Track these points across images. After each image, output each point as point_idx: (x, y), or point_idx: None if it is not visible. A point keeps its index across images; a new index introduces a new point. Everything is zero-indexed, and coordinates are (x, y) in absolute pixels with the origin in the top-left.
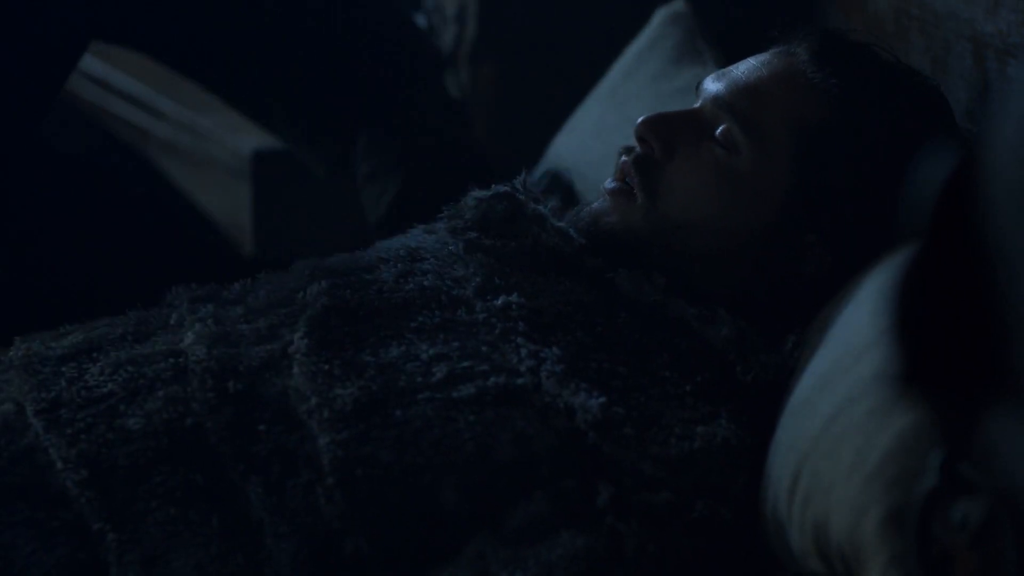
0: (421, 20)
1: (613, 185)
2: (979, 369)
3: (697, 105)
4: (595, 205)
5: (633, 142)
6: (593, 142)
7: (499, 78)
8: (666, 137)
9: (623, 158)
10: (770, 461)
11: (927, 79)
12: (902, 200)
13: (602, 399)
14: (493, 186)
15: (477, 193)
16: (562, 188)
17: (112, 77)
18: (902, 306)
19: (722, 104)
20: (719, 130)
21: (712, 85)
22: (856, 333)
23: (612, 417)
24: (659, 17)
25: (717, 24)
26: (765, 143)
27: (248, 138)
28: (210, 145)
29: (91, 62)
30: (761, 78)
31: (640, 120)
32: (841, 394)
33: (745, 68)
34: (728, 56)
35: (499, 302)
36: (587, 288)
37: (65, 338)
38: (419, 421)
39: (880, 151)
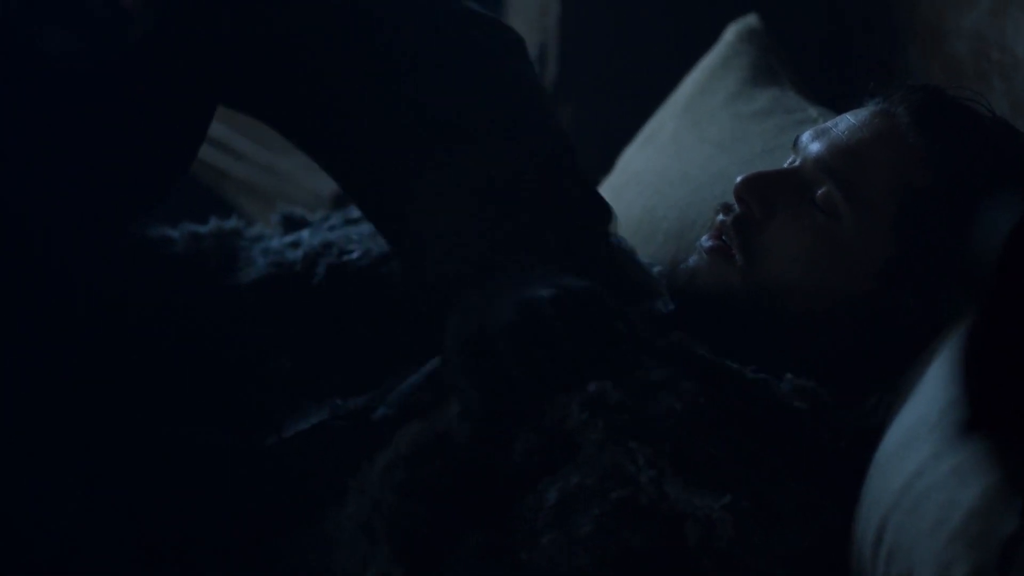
0: None
1: (711, 243)
2: None
3: (796, 163)
4: (692, 262)
5: (731, 199)
6: (671, 161)
7: (579, 119)
8: (766, 198)
9: (720, 216)
10: (856, 515)
11: None
12: (972, 251)
13: (727, 498)
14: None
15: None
16: None
17: None
18: (971, 355)
19: (823, 166)
20: (819, 193)
21: (812, 145)
22: (941, 389)
23: (740, 517)
24: (732, 32)
25: (791, 41)
26: (866, 209)
27: (327, 180)
28: (288, 186)
29: None
30: (862, 141)
31: (739, 180)
32: (926, 451)
33: (846, 128)
34: (803, 78)
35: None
36: (674, 367)
37: None
38: (543, 560)
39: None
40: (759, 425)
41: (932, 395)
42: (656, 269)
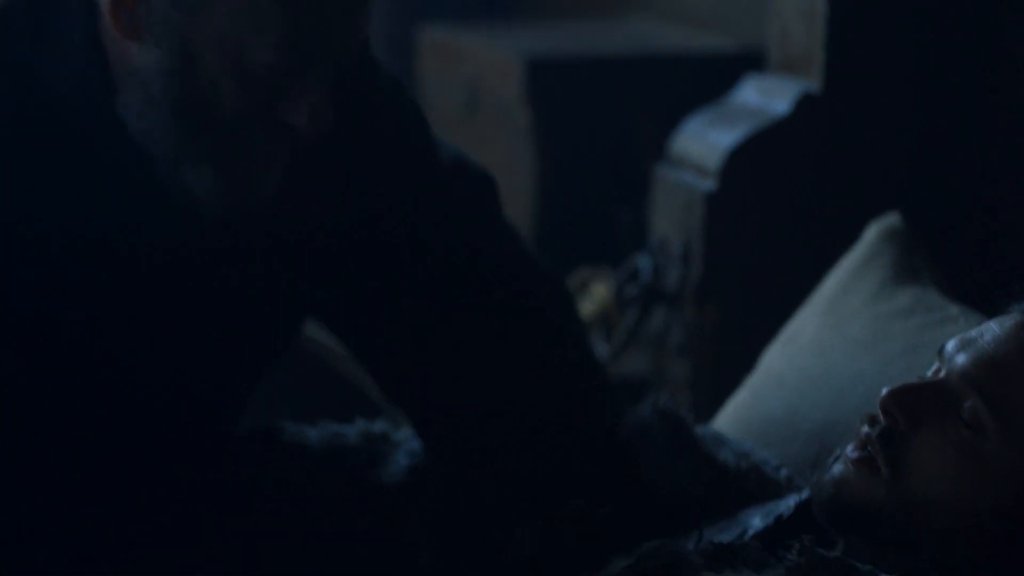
0: (645, 260)
1: (856, 454)
2: None
3: (941, 374)
4: (836, 472)
5: (875, 407)
6: (812, 360)
7: (722, 318)
8: (911, 411)
9: (865, 428)
10: None
11: None
12: None
13: None
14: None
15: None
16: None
17: None
18: None
19: (969, 379)
20: (966, 406)
21: (958, 356)
22: None
23: None
24: (873, 232)
25: (933, 239)
26: (1013, 425)
27: None
28: None
29: None
30: (1009, 354)
31: (885, 392)
32: None
33: (991, 339)
34: (946, 275)
35: None
36: None
37: None
38: None
39: None
40: None
41: None
42: (783, 473)
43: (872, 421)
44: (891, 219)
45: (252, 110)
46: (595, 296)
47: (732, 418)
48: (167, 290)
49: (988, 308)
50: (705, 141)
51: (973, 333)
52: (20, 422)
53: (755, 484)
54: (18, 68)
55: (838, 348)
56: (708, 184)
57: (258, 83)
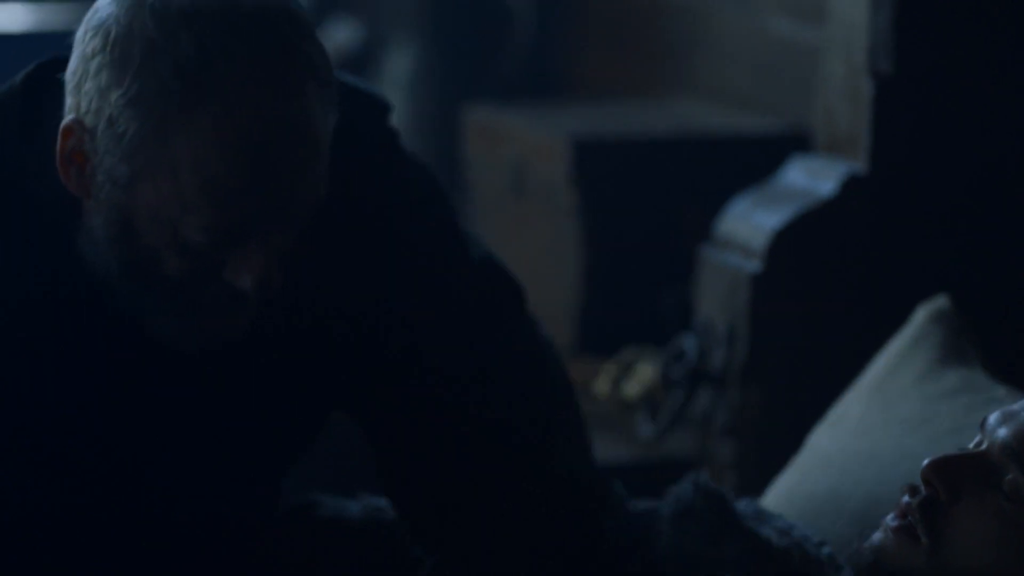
0: (690, 341)
1: (896, 523)
2: None
3: (983, 446)
4: (876, 540)
5: (918, 480)
6: (858, 440)
7: (768, 399)
8: (952, 482)
9: (906, 498)
10: None
11: None
12: None
13: None
14: None
15: None
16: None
17: None
18: None
19: (1010, 452)
20: (1007, 479)
21: (1000, 430)
22: None
23: None
24: (922, 314)
25: (983, 321)
26: None
27: None
28: None
29: None
30: None
31: (927, 462)
32: None
33: None
34: (995, 357)
35: None
36: None
37: None
38: None
39: None
40: None
41: None
42: (825, 551)
43: (913, 491)
44: (939, 301)
45: (198, 275)
46: (641, 377)
47: (777, 498)
48: (190, 387)
49: None
50: (751, 222)
51: (1016, 407)
52: (59, 512)
53: (797, 562)
54: (3, 162)
55: (884, 428)
56: (754, 265)
57: (197, 255)
